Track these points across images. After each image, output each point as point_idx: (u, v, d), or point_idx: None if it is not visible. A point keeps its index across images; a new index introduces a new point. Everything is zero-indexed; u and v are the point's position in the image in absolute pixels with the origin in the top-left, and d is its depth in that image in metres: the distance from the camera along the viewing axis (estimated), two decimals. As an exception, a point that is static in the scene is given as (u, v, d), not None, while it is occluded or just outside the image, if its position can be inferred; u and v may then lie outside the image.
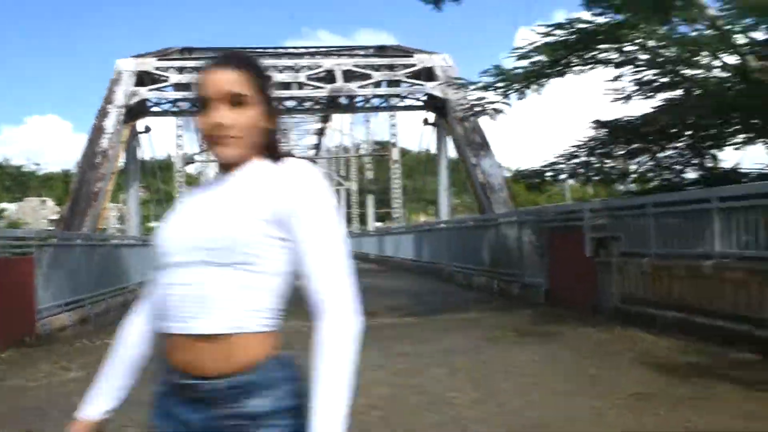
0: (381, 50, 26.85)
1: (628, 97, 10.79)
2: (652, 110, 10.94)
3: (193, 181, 47.30)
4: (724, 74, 10.44)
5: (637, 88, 10.55)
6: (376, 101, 25.99)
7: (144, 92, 23.53)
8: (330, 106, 25.22)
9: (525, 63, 9.90)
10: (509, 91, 10.18)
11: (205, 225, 1.33)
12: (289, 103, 24.31)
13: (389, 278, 20.03)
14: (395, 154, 34.95)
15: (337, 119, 55.37)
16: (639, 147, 11.94)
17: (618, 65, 10.19)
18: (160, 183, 34.69)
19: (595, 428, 4.37)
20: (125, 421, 3.73)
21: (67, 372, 6.84)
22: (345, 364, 1.36)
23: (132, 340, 1.52)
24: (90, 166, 21.13)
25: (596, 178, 14.02)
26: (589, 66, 10.37)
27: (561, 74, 10.30)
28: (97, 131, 21.71)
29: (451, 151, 24.05)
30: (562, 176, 13.97)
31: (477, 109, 11.21)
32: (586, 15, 10.04)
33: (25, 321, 8.86)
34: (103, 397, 1.51)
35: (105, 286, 12.40)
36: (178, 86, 23.74)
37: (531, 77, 9.95)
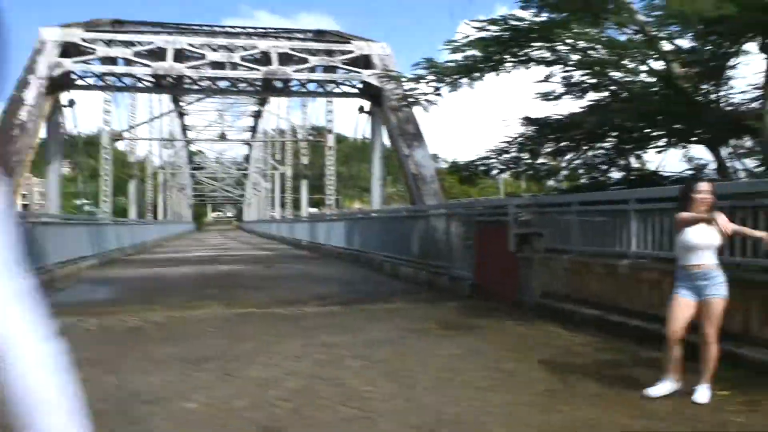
0: (320, 35, 26.61)
1: (557, 97, 10.98)
2: (580, 110, 11.17)
3: (122, 159, 45.81)
4: (650, 79, 10.75)
5: (566, 88, 10.75)
6: (311, 86, 25.74)
7: (69, 64, 22.55)
8: (264, 88, 24.82)
9: (458, 57, 9.94)
10: (440, 84, 10.21)
11: None
12: (222, 84, 23.79)
13: (320, 266, 19.96)
14: (330, 141, 34.73)
15: (275, 103, 54.80)
16: (567, 145, 12.18)
17: (549, 64, 10.34)
18: (85, 159, 33.42)
19: (503, 424, 4.42)
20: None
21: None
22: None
23: None
24: (6, 139, 20.13)
25: (526, 173, 14.29)
26: (522, 63, 10.48)
27: (494, 70, 10.38)
28: (16, 102, 20.68)
29: (387, 140, 24.10)
30: (494, 171, 14.15)
31: (409, 99, 11.20)
32: (522, 13, 10.17)
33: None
34: None
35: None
36: (105, 60, 22.84)
37: (463, 71, 9.99)
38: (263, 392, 5.32)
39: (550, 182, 14.52)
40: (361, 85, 24.08)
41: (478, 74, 10.27)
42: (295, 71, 23.31)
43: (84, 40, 22.89)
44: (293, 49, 23.90)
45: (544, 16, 9.99)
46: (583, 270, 8.21)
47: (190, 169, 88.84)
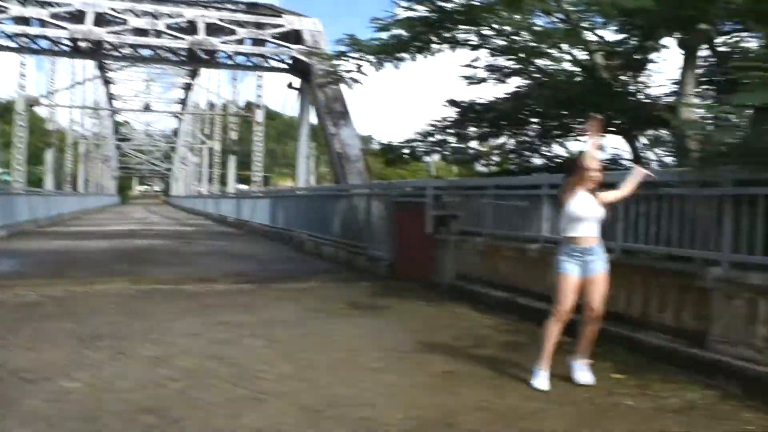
0: (252, 7, 25.81)
1: (480, 81, 10.94)
2: (504, 96, 11.19)
3: (40, 127, 43.62)
4: (574, 68, 10.83)
5: (488, 72, 10.72)
6: (240, 59, 24.98)
7: (-24, 22, 21.13)
8: (189, 59, 23.95)
9: (384, 35, 9.73)
10: (363, 62, 9.99)
11: None
12: (145, 52, 22.80)
13: (242, 243, 19.53)
14: (259, 116, 33.98)
15: (207, 76, 53.32)
16: (491, 130, 12.19)
17: (475, 48, 10.26)
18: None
19: (394, 406, 4.32)
20: None
21: None
22: None
23: None
24: None
25: (452, 157, 14.26)
26: (449, 46, 10.36)
27: (421, 51, 10.21)
28: None
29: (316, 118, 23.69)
30: (419, 153, 14.06)
31: (333, 76, 10.94)
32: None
33: None
34: None
35: None
36: (19, 20, 21.48)
37: (388, 50, 9.79)
38: (152, 371, 5.07)
39: (481, 167, 14.55)
40: (290, 61, 23.55)
41: (404, 54, 10.10)
42: (222, 42, 22.56)
43: (-5, -3, 21.51)
44: (221, 20, 23.11)
45: (471, -1, 9.87)
46: (495, 253, 8.23)
47: (116, 141, 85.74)
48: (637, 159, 10.47)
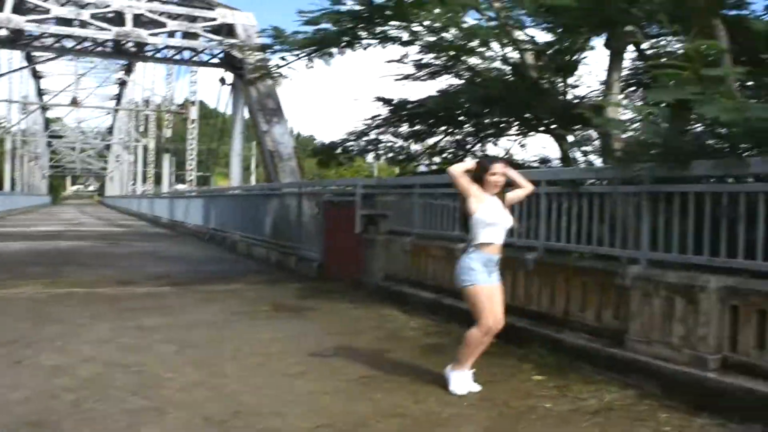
0: (185, 0, 25.00)
1: (408, 77, 10.81)
2: (436, 93, 11.07)
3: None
4: (504, 67, 10.81)
5: (416, 69, 10.60)
6: (170, 53, 24.16)
7: None
8: (117, 51, 23.00)
9: (310, 29, 9.46)
10: (288, 56, 9.73)
11: None
12: (68, 43, 21.76)
13: (173, 244, 18.94)
14: (193, 113, 33.10)
15: (141, 71, 51.90)
16: (422, 129, 12.07)
17: (405, 44, 10.11)
18: None
19: (303, 414, 4.11)
20: None
21: None
22: None
23: None
24: None
25: (386, 156, 14.08)
26: (379, 41, 10.18)
27: (350, 46, 10.01)
28: None
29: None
30: (353, 154, 13.83)
31: (261, 72, 10.61)
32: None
33: None
34: None
35: None
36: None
37: (316, 44, 9.54)
38: (48, 382, 4.72)
39: (424, 167, 14.41)
40: (222, 55, 22.94)
41: (332, 49, 9.87)
42: (150, 35, 21.75)
43: None
44: (151, 11, 22.28)
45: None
46: (422, 253, 8.09)
47: (47, 138, 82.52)
48: (566, 158, 10.53)
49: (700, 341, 4.49)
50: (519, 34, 10.19)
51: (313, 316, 7.46)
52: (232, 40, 13.36)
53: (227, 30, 22.58)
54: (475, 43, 10.03)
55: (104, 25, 21.60)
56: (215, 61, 23.76)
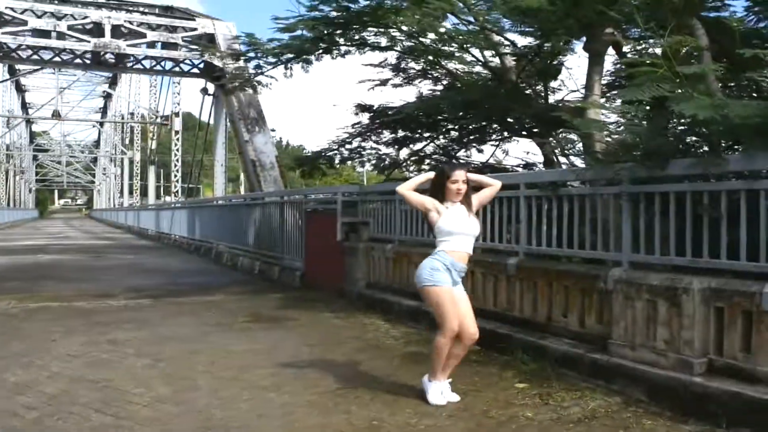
0: (166, 10, 24.80)
1: (384, 83, 10.70)
2: (415, 99, 10.96)
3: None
4: (484, 72, 10.72)
5: (393, 73, 10.50)
6: (150, 63, 23.92)
7: None
8: (95, 62, 22.75)
9: (286, 36, 9.32)
10: (266, 64, 9.57)
11: None
12: (46, 55, 21.47)
13: (158, 256, 18.71)
14: (177, 124, 32.86)
15: (126, 84, 51.62)
16: (405, 135, 11.94)
17: (383, 50, 10.01)
18: None
19: (275, 428, 3.95)
20: None
21: None
22: None
23: None
24: None
25: (370, 163, 13.94)
26: (357, 47, 10.07)
27: (327, 52, 9.88)
28: None
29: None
30: (336, 163, 13.67)
31: (239, 80, 10.44)
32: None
33: None
34: None
35: None
36: None
37: (293, 51, 9.39)
38: (11, 400, 4.52)
39: (410, 174, 14.25)
40: (202, 65, 22.74)
41: (309, 56, 9.73)
42: (129, 45, 21.51)
43: None
44: (129, 22, 22.03)
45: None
46: (404, 259, 7.94)
47: (33, 151, 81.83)
48: (549, 162, 10.43)
49: (685, 345, 4.36)
50: (498, 39, 10.11)
51: (292, 327, 7.29)
52: (209, 49, 13.17)
53: (207, 40, 22.39)
54: (453, 47, 9.94)
55: (83, 36, 21.35)
56: (196, 71, 23.57)
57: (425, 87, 11.49)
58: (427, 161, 12.91)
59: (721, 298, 4.28)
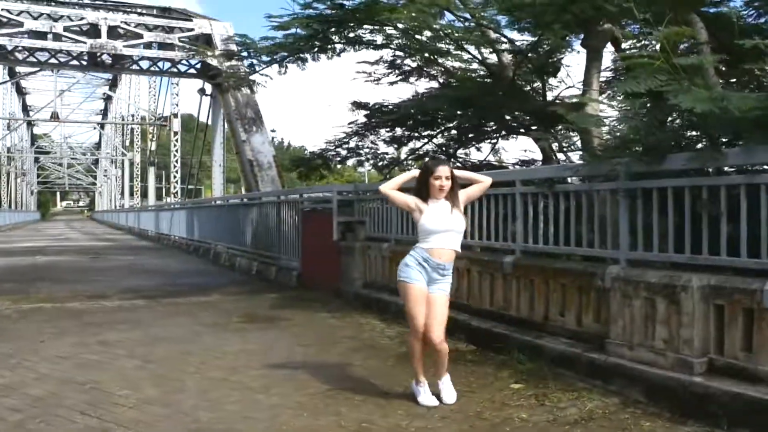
0: (163, 11, 24.69)
1: (378, 80, 10.59)
2: (411, 97, 10.86)
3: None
4: (480, 69, 10.61)
5: (389, 71, 10.39)
6: (147, 64, 23.83)
7: None
8: (92, 63, 22.66)
9: (280, 35, 9.21)
10: (260, 63, 9.46)
11: None
12: (42, 56, 21.37)
13: (156, 257, 18.62)
14: (176, 125, 32.76)
15: (126, 86, 51.57)
16: (403, 134, 11.84)
17: (378, 47, 9.89)
18: None
19: (258, 431, 3.84)
20: None
21: None
22: None
23: None
24: None
25: (368, 162, 13.83)
26: (351, 46, 9.95)
27: (323, 51, 9.77)
28: None
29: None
30: (334, 162, 13.56)
31: (233, 79, 10.33)
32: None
33: None
34: None
35: None
36: None
37: (286, 50, 9.28)
38: (-6, 402, 4.42)
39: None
40: (199, 66, 22.64)
41: (304, 54, 9.62)
42: (125, 46, 21.41)
43: None
44: (126, 23, 21.93)
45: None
46: (401, 259, 7.80)
47: (34, 154, 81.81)
48: (547, 159, 10.33)
49: (685, 344, 4.25)
50: (496, 36, 10.01)
51: (286, 327, 7.18)
52: (203, 49, 13.07)
53: (205, 40, 22.30)
54: (451, 45, 9.84)
55: (79, 37, 21.26)
56: (193, 71, 23.46)
57: (422, 85, 11.40)
58: (426, 160, 12.77)
59: (721, 295, 4.16)
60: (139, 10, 24.07)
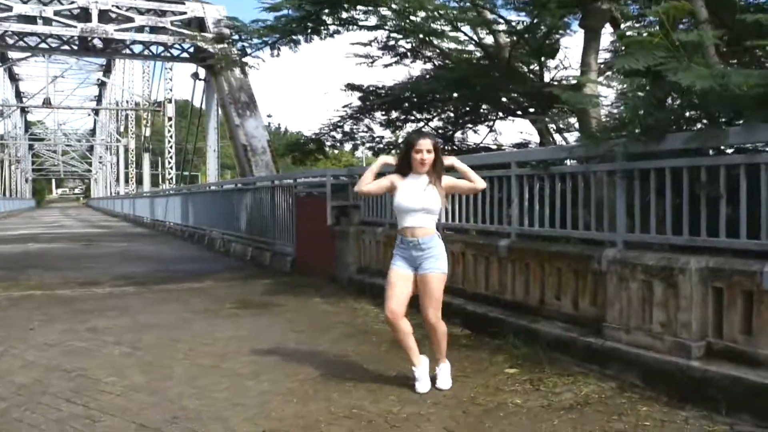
0: (157, -6, 24.36)
1: (372, 62, 10.44)
2: (406, 79, 10.71)
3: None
4: (476, 51, 10.46)
5: (383, 52, 10.24)
6: (139, 48, 23.52)
7: None
8: (83, 48, 22.36)
9: (271, 16, 9.04)
10: (251, 46, 9.30)
11: None
12: (32, 41, 21.07)
13: (151, 243, 18.51)
14: (170, 110, 32.48)
15: (120, 71, 51.19)
16: (398, 116, 11.70)
17: (371, 29, 9.74)
18: None
19: (249, 418, 3.75)
20: None
21: None
22: None
23: None
24: None
25: (364, 146, 13.68)
26: (345, 27, 9.79)
27: (316, 33, 9.61)
28: None
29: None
30: (329, 146, 13.42)
31: (224, 62, 10.17)
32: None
33: None
34: None
35: None
36: None
37: (278, 32, 9.11)
38: (-21, 390, 4.32)
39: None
40: (192, 50, 22.36)
41: (297, 36, 9.45)
42: (117, 30, 21.12)
43: None
44: (117, 6, 21.62)
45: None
46: (394, 242, 7.72)
47: (28, 141, 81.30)
48: (544, 141, 10.21)
49: (683, 327, 4.16)
50: (492, 17, 9.85)
51: (279, 313, 7.09)
52: (194, 33, 12.89)
53: (197, 24, 22.03)
54: (446, 26, 9.67)
55: (69, 21, 20.97)
56: (185, 55, 23.19)
57: (417, 67, 11.25)
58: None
59: (719, 277, 4.07)
60: (132, -6, 23.80)
